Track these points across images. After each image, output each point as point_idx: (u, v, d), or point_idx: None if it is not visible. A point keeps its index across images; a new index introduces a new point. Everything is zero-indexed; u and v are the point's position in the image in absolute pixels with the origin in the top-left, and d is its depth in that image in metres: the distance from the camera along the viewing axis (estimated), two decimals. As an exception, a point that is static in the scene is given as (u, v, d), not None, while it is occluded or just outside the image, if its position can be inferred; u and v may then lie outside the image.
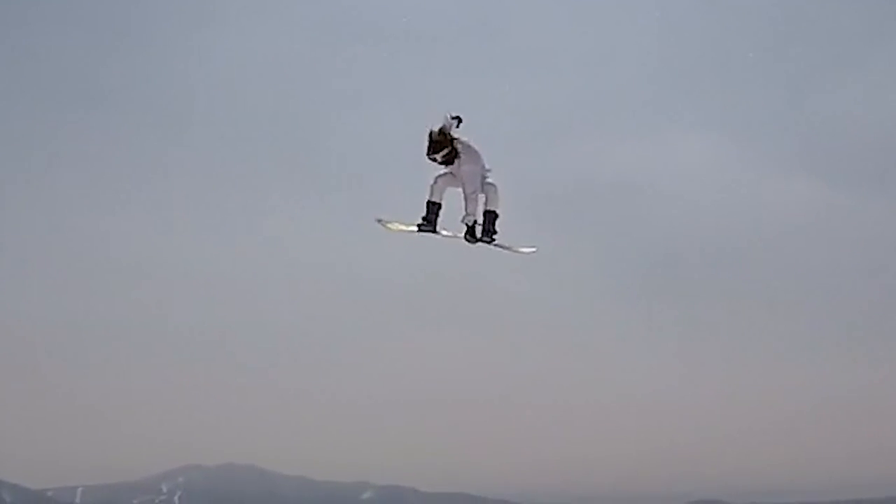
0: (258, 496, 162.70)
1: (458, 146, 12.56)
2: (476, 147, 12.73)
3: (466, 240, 12.92)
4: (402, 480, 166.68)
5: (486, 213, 12.93)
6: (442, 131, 12.47)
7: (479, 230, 12.90)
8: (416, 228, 12.98)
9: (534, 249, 13.45)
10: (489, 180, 12.84)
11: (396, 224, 13.18)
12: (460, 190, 12.81)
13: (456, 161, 12.60)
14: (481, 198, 12.85)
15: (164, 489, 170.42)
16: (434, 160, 12.57)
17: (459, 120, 12.70)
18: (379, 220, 13.24)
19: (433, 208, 12.89)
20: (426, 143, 12.51)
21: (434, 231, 12.96)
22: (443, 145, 12.48)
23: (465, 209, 12.81)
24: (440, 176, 12.81)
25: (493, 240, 12.95)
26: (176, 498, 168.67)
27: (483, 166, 12.77)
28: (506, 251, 13.20)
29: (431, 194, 12.88)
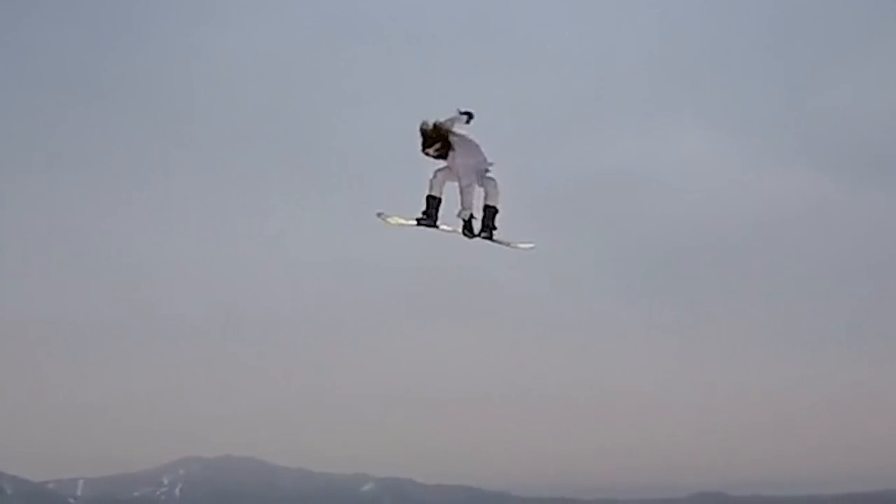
0: (258, 488, 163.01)
1: (454, 139, 12.53)
2: (476, 141, 12.69)
3: (464, 234, 12.90)
4: (402, 473, 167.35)
5: (485, 207, 12.86)
6: (435, 126, 12.45)
7: (476, 225, 12.85)
8: (415, 222, 12.96)
9: (532, 245, 13.41)
10: (489, 175, 12.77)
11: (396, 218, 13.17)
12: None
13: (450, 154, 12.58)
14: (479, 192, 12.79)
15: (165, 481, 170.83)
16: (427, 154, 12.58)
17: (470, 115, 12.69)
18: (379, 214, 13.22)
19: (433, 202, 12.85)
20: (419, 139, 12.52)
21: (434, 225, 12.92)
22: (435, 140, 12.48)
23: (461, 203, 12.78)
24: (439, 170, 12.78)
25: (492, 235, 12.89)
26: (176, 490, 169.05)
27: (483, 160, 12.71)
28: (505, 247, 13.17)
29: (431, 189, 12.84)
